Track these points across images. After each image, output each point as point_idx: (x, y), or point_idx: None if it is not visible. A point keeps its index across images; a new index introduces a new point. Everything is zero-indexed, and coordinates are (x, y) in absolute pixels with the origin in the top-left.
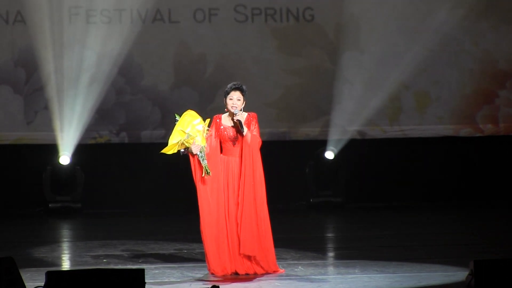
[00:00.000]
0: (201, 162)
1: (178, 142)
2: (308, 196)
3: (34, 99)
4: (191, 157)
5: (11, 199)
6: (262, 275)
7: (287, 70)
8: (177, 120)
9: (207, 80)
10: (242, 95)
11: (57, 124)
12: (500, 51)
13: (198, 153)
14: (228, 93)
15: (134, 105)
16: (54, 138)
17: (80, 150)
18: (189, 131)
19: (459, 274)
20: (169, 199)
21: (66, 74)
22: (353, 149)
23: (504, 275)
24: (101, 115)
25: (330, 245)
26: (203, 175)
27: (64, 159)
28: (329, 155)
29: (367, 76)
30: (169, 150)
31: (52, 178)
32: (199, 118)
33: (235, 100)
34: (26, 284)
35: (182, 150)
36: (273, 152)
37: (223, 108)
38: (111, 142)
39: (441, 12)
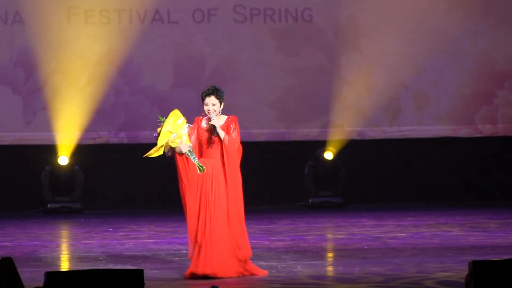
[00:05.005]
0: (193, 160)
1: (164, 144)
2: (307, 196)
3: (33, 99)
4: (178, 157)
5: (10, 199)
6: (246, 276)
7: (286, 71)
8: (161, 122)
9: (206, 81)
10: (217, 98)
11: (56, 125)
12: (499, 52)
13: (188, 152)
14: (203, 100)
15: (133, 105)
16: (53, 138)
17: (79, 151)
18: (175, 131)
19: (458, 275)
20: (168, 199)
21: (65, 74)
22: (352, 149)
23: (502, 276)
24: (100, 116)
25: (329, 246)
26: (198, 172)
27: (63, 159)
28: (328, 155)
29: (366, 77)
30: (154, 153)
31: (51, 178)
32: (182, 118)
33: (210, 105)
34: (25, 284)
35: (169, 151)
36: (272, 153)
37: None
38: (110, 143)
39: (440, 12)
